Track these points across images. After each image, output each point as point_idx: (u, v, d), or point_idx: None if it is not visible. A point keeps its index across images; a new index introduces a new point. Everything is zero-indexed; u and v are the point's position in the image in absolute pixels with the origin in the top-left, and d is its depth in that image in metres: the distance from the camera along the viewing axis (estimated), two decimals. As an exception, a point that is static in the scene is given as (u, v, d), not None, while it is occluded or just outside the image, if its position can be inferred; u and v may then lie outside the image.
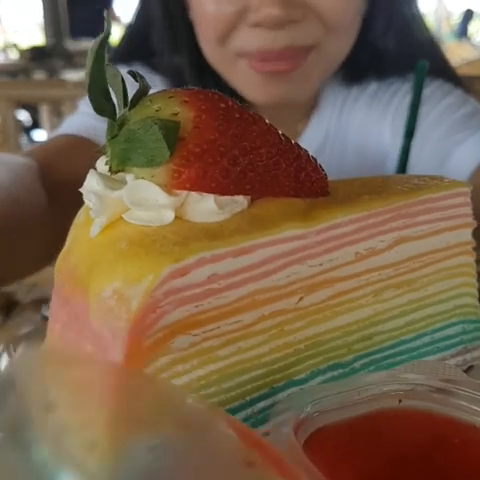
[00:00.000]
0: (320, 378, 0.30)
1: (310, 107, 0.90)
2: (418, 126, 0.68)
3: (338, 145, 0.91)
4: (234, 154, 0.27)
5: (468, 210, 0.34)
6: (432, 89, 0.85)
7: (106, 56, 0.27)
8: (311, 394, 0.26)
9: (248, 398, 0.28)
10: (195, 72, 0.85)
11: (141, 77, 0.29)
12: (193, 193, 0.27)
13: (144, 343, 0.24)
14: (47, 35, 4.69)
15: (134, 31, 0.91)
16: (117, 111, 0.28)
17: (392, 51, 0.85)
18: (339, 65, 0.83)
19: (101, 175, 0.28)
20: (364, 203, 0.30)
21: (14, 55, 4.65)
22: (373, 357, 0.32)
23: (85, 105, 0.88)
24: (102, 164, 0.29)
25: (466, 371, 0.35)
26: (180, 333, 0.25)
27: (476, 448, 0.25)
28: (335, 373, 0.31)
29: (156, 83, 0.86)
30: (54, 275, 0.32)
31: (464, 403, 0.27)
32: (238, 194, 0.28)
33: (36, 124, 2.92)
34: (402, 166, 0.63)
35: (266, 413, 0.28)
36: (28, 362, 0.21)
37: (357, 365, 0.31)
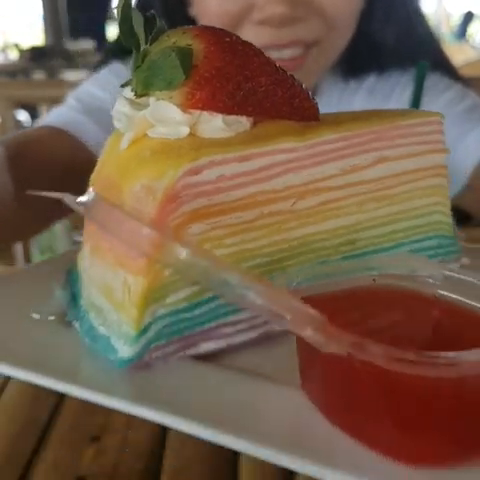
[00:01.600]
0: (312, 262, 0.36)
1: None
2: None
3: None
4: (238, 80, 0.33)
5: (441, 137, 0.39)
6: (433, 82, 0.85)
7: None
8: (302, 271, 0.32)
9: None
10: None
11: (160, 18, 0.34)
12: (205, 113, 0.33)
13: (167, 227, 0.30)
14: (47, 35, 4.66)
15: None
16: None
17: (391, 45, 0.85)
18: (337, 59, 0.82)
19: (129, 99, 0.34)
20: (349, 124, 0.35)
21: (14, 55, 4.63)
22: (357, 259, 0.37)
23: (73, 99, 0.89)
24: (128, 91, 0.34)
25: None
26: (195, 221, 0.31)
27: (435, 312, 0.31)
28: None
29: None
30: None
31: (429, 280, 0.32)
32: (242, 115, 0.34)
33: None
34: None
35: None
36: None
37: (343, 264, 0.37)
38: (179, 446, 0.56)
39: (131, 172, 0.31)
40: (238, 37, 0.34)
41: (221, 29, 0.33)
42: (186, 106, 0.32)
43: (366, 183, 0.37)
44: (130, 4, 0.33)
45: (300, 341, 0.28)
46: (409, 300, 0.31)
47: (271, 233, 0.34)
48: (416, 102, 0.60)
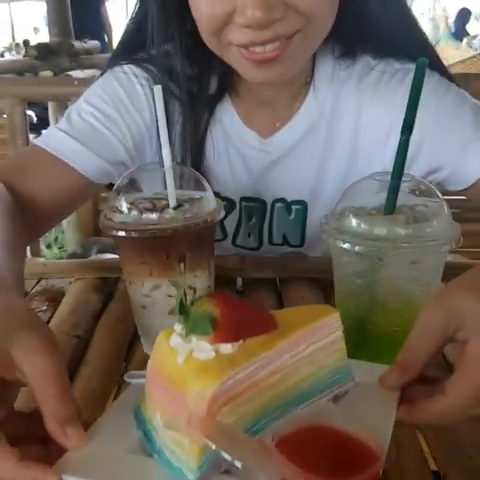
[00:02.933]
0: (282, 410, 0.68)
1: (305, 83, 1.00)
2: (430, 120, 0.79)
3: (334, 123, 0.99)
4: (237, 325, 0.64)
5: (338, 324, 0.72)
6: (434, 84, 0.90)
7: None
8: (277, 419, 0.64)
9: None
10: (185, 58, 0.98)
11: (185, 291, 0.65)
12: (221, 344, 0.64)
13: (213, 411, 0.61)
14: (51, 34, 4.61)
15: (128, 30, 1.06)
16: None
17: (374, 23, 0.91)
18: (325, 40, 0.91)
19: (181, 336, 0.64)
20: (290, 333, 0.68)
21: (22, 53, 4.55)
22: (300, 398, 0.70)
23: (66, 120, 1.00)
24: (179, 329, 0.65)
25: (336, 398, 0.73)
26: (226, 405, 0.61)
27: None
28: (288, 405, 0.69)
29: (136, 87, 1.05)
30: (147, 373, 0.68)
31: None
32: (239, 340, 0.65)
33: (46, 122, 2.88)
34: (401, 161, 0.67)
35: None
36: None
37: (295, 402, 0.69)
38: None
39: (188, 382, 0.61)
40: (240, 301, 0.65)
41: (228, 300, 0.64)
42: (213, 342, 0.63)
43: (302, 359, 0.69)
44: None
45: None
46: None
47: (260, 396, 0.65)
48: (415, 99, 0.64)
